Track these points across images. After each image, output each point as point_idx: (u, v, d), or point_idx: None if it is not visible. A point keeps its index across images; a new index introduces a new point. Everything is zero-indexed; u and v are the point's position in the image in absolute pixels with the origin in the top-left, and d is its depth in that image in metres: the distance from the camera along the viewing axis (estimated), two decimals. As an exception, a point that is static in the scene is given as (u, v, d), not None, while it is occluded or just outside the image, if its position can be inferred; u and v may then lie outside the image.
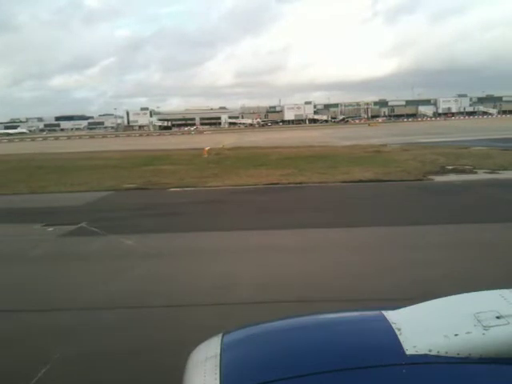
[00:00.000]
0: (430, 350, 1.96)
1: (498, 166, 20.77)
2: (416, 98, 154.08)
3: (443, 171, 20.20)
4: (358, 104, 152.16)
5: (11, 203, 16.70)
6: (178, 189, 18.72)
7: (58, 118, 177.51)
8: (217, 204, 15.09)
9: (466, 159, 24.29)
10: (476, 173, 19.63)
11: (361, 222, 11.57)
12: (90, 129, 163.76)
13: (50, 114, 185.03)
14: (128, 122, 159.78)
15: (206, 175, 22.28)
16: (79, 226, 12.09)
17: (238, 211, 13.77)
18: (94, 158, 37.88)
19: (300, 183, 18.56)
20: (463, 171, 19.96)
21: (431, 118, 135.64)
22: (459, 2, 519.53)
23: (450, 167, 21.17)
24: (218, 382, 2.01)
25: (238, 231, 11.15)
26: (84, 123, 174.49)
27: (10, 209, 15.55)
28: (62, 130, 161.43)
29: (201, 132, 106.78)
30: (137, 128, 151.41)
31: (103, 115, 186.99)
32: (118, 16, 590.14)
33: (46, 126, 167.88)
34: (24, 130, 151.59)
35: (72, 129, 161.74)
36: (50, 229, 11.95)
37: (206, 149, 37.44)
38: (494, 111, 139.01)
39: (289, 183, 18.68)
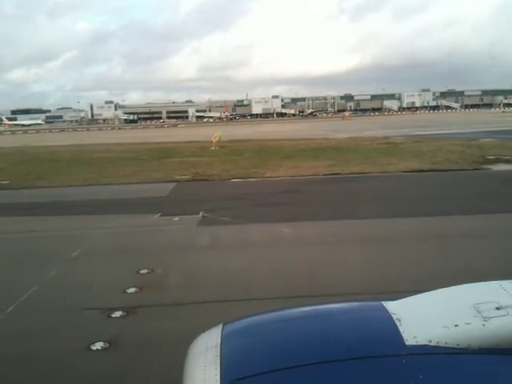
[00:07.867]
0: (429, 341, 1.97)
1: (535, 157, 21.65)
2: (380, 92, 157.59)
3: (488, 161, 20.82)
4: (324, 98, 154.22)
5: (83, 195, 16.15)
6: (239, 180, 18.60)
7: (14, 112, 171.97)
8: (308, 193, 15.08)
9: (492, 150, 25.09)
10: (523, 162, 20.40)
11: (495, 208, 11.58)
12: (48, 122, 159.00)
13: (5, 107, 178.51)
14: (92, 116, 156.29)
15: (246, 166, 22.13)
16: (201, 215, 11.90)
17: (344, 200, 13.75)
18: (97, 151, 36.91)
19: (361, 173, 18.74)
20: (509, 161, 20.71)
21: (396, 112, 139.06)
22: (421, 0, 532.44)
23: (491, 157, 21.89)
24: (218, 372, 2.01)
25: (385, 219, 11.06)
26: (41, 117, 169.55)
27: (98, 200, 15.00)
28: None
29: (174, 125, 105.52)
30: (101, 122, 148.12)
31: (61, 108, 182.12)
32: (81, 8, 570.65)
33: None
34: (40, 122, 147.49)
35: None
36: (176, 218, 11.71)
37: (214, 141, 37.41)
38: (456, 105, 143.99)
39: (350, 173, 18.85)
